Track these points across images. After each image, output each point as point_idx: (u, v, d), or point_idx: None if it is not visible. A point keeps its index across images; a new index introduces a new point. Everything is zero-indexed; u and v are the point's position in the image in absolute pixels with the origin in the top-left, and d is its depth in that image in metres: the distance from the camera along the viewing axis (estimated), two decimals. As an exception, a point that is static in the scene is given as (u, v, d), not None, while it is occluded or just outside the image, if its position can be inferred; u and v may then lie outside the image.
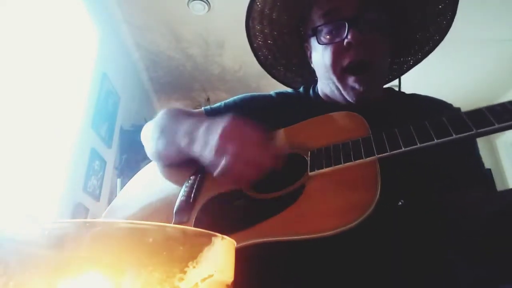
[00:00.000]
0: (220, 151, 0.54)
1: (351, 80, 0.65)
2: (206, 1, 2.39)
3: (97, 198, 2.19)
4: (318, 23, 0.69)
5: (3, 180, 1.38)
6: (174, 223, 0.58)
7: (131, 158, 2.46)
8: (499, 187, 0.68)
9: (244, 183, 0.56)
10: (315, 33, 0.69)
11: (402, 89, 0.81)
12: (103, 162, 2.31)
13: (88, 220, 0.20)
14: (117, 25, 2.60)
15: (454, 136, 0.47)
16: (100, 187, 2.25)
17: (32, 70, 1.62)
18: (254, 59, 0.81)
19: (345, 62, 0.65)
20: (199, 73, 3.19)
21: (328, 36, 0.67)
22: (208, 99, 3.43)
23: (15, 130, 1.48)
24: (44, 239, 0.19)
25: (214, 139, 0.55)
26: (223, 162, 0.53)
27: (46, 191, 1.70)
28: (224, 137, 0.54)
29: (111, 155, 2.46)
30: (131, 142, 2.52)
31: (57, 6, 1.84)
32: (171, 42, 2.81)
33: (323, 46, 0.68)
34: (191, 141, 0.61)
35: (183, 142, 0.62)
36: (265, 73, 0.84)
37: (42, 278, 0.18)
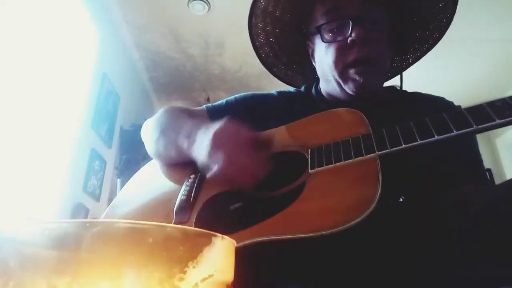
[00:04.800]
0: (213, 155, 0.54)
1: (352, 72, 0.65)
2: (206, 1, 2.39)
3: (97, 198, 2.19)
4: (321, 21, 0.69)
5: (3, 180, 1.38)
6: (174, 223, 0.58)
7: (131, 158, 2.46)
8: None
9: (238, 187, 0.55)
10: (319, 31, 0.69)
11: (403, 89, 0.81)
12: (103, 162, 2.31)
13: (88, 220, 0.20)
14: (117, 25, 2.60)
15: (455, 132, 0.47)
16: (100, 187, 2.25)
17: (32, 71, 1.62)
18: (254, 59, 0.81)
19: (349, 59, 0.65)
20: (199, 73, 3.19)
21: (331, 34, 0.68)
22: (208, 99, 3.43)
23: (16, 130, 1.48)
24: (44, 239, 0.19)
25: (207, 142, 0.55)
26: (215, 167, 0.54)
27: (46, 191, 1.70)
28: (217, 140, 0.54)
29: (111, 155, 2.46)
30: (131, 142, 2.52)
31: (57, 7, 1.84)
32: (171, 42, 2.81)
33: (327, 44, 0.68)
34: (190, 144, 0.61)
35: (184, 144, 0.63)
36: (265, 73, 0.84)
37: (42, 278, 0.18)
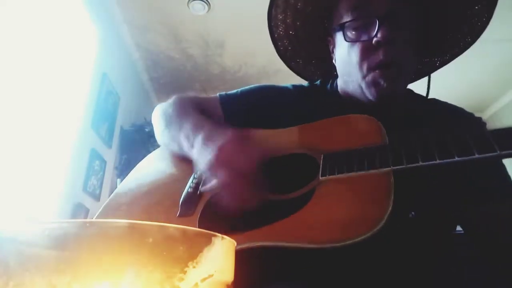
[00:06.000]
0: (214, 170, 0.53)
1: (376, 76, 0.62)
2: (206, 1, 2.39)
3: (97, 198, 2.19)
4: (346, 18, 0.65)
5: (3, 180, 1.38)
6: (179, 214, 0.58)
7: (131, 158, 2.45)
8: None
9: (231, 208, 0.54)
10: (342, 28, 0.65)
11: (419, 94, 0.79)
12: (103, 162, 2.31)
13: (88, 220, 0.20)
14: (117, 25, 2.60)
15: (477, 155, 0.44)
16: (100, 187, 2.25)
17: (32, 70, 1.62)
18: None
19: (374, 61, 0.61)
20: (199, 73, 3.19)
21: (355, 33, 0.64)
22: (208, 99, 3.42)
23: (16, 130, 1.48)
24: (44, 239, 0.19)
25: (210, 156, 0.54)
26: (214, 182, 0.53)
27: (46, 191, 1.70)
28: (221, 158, 0.53)
29: (111, 155, 2.46)
30: (131, 142, 2.52)
31: (57, 7, 1.84)
32: (171, 42, 2.81)
33: (350, 43, 0.64)
34: (189, 146, 0.60)
35: (184, 144, 0.63)
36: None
37: (42, 278, 0.18)
